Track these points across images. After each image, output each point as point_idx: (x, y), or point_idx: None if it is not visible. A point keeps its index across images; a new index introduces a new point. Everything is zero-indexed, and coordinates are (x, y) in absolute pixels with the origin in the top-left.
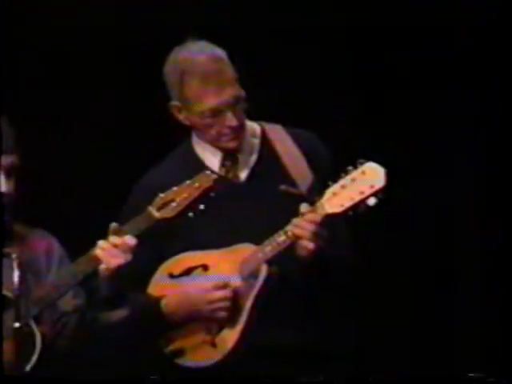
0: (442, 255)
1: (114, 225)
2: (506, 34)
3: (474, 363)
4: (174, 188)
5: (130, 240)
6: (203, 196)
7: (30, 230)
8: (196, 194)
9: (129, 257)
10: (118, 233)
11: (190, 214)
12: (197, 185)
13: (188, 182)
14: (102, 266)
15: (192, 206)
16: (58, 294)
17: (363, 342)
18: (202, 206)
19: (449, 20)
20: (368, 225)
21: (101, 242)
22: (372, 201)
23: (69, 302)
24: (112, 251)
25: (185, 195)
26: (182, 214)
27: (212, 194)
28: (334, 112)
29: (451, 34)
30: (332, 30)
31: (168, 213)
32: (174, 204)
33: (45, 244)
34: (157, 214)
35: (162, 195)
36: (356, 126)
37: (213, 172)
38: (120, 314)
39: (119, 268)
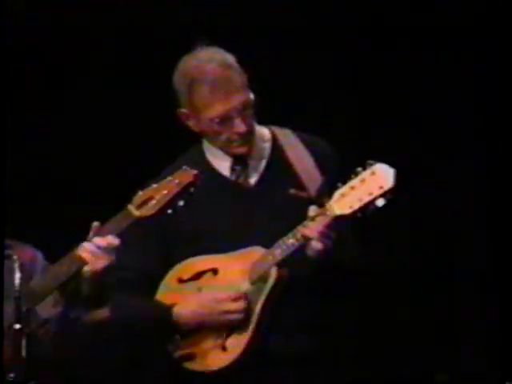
0: (442, 256)
1: (95, 223)
2: (504, 29)
3: (474, 363)
4: (154, 185)
5: (113, 240)
6: (183, 192)
7: (14, 242)
8: (176, 190)
9: (113, 257)
10: (99, 231)
11: (169, 211)
12: (177, 181)
13: (168, 178)
14: (86, 268)
15: (172, 202)
16: (41, 296)
17: (367, 344)
18: (181, 203)
19: (449, 20)
20: (367, 226)
21: (86, 244)
22: (381, 202)
23: (50, 310)
24: (97, 253)
25: (164, 192)
26: (162, 211)
27: (192, 190)
28: (334, 113)
29: (449, 32)
30: (333, 31)
31: (147, 211)
32: (153, 201)
33: (29, 253)
34: (136, 212)
35: (140, 193)
36: (356, 128)
37: (223, 177)
38: (103, 313)
39: (104, 269)
